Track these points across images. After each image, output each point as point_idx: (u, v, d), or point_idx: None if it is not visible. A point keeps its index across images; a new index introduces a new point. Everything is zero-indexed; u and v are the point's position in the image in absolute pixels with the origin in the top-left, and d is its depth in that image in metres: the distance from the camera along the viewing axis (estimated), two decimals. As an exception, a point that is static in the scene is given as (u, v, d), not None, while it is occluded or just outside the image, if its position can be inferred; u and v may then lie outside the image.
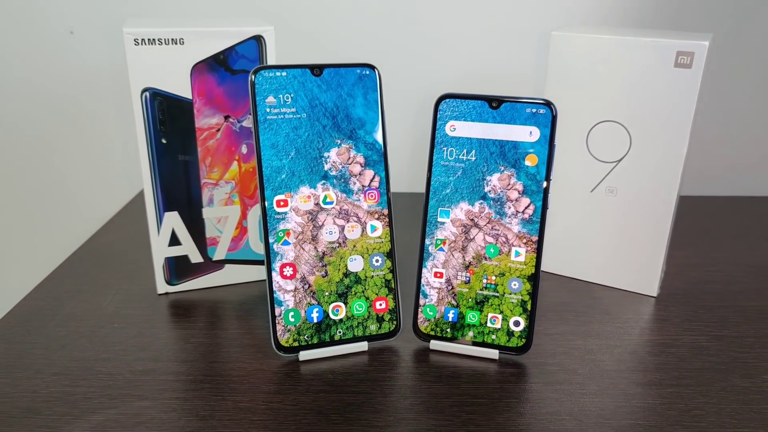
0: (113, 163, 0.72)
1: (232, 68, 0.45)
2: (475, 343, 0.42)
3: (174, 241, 0.48)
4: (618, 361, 0.42)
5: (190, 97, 0.45)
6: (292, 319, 0.41)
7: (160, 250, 0.48)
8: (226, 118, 0.46)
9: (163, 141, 0.45)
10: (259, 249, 0.51)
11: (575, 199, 0.51)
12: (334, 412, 0.37)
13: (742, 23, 0.67)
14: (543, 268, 0.54)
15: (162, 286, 0.49)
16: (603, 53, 0.46)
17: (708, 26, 0.66)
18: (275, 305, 0.41)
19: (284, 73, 0.40)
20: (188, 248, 0.49)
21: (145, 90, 0.44)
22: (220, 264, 0.50)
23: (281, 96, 0.40)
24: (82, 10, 0.66)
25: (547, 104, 0.40)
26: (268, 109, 0.40)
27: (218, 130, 0.46)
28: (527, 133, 0.41)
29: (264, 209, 0.40)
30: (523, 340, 0.41)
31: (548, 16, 0.67)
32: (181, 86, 0.44)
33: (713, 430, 0.36)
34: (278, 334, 0.41)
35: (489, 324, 0.42)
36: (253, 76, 0.39)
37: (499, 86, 0.68)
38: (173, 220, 0.48)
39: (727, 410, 0.37)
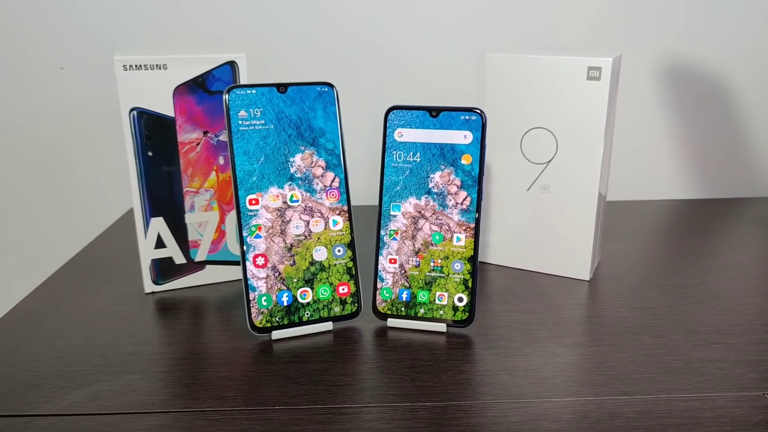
0: (110, 177, 0.78)
1: (210, 89, 0.52)
2: (426, 319, 0.48)
3: (159, 244, 0.54)
4: (549, 330, 0.48)
5: (172, 115, 0.52)
6: (264, 303, 0.47)
7: (147, 253, 0.54)
8: (205, 133, 0.53)
9: (150, 154, 0.52)
10: (236, 250, 0.57)
11: (515, 197, 0.58)
12: (301, 376, 0.42)
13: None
14: (492, 261, 0.61)
15: (149, 286, 0.55)
16: (530, 70, 0.54)
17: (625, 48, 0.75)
18: (249, 291, 0.47)
19: (254, 91, 0.47)
20: (172, 251, 0.55)
21: (132, 109, 0.50)
22: (202, 265, 0.56)
23: (251, 110, 0.47)
24: (72, 47, 0.73)
25: (478, 112, 0.47)
26: (240, 122, 0.47)
27: (198, 144, 0.53)
28: (462, 137, 0.48)
29: (238, 207, 0.47)
30: (467, 314, 0.48)
31: (484, 39, 0.76)
32: (164, 106, 0.51)
33: (622, 376, 0.42)
34: (252, 316, 0.47)
35: (437, 301, 0.48)
36: (227, 95, 0.46)
37: (445, 100, 0.76)
38: (159, 225, 0.54)
39: (636, 362, 0.44)
